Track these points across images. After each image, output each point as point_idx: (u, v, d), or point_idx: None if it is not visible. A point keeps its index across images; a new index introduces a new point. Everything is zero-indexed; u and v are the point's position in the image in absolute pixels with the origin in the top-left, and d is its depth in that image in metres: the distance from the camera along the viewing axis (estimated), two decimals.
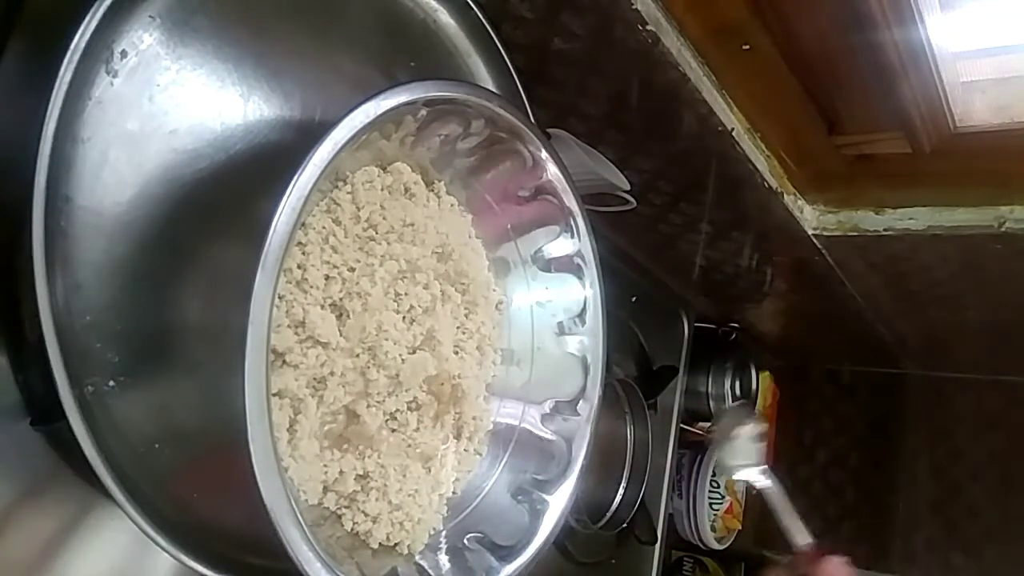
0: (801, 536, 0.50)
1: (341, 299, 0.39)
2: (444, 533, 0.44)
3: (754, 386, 1.32)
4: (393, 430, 0.43)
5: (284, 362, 0.37)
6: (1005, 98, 0.69)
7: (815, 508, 1.46)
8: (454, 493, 0.46)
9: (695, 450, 1.25)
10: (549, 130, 0.68)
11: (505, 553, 0.43)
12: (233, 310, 0.30)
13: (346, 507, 0.40)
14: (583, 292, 0.49)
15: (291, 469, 0.37)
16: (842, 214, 0.86)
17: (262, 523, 0.31)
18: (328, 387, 0.38)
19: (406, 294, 0.42)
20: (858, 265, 0.95)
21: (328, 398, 0.38)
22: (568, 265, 0.49)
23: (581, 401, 0.49)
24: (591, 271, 0.49)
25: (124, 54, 0.35)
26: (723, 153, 0.71)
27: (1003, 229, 0.76)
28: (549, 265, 0.50)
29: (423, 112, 0.40)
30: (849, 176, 0.81)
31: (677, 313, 1.16)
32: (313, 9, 0.43)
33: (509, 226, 0.49)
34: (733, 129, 0.68)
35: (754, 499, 1.42)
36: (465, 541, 0.44)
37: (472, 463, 0.48)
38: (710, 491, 1.23)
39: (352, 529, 0.40)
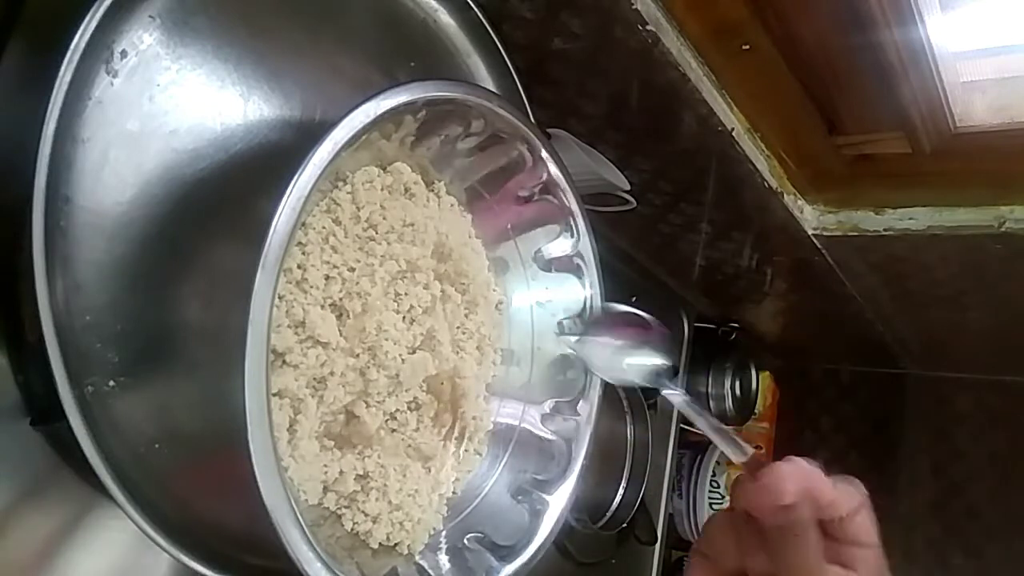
0: (737, 454, 0.38)
1: (341, 299, 0.39)
2: (444, 533, 0.44)
3: (754, 386, 1.32)
4: (393, 430, 0.43)
5: (284, 362, 0.37)
6: (1005, 98, 0.69)
7: None
8: (454, 493, 0.46)
9: (695, 450, 1.25)
10: (549, 130, 0.68)
11: (505, 553, 0.43)
12: (233, 310, 0.30)
13: (346, 507, 0.40)
14: (583, 292, 0.49)
15: (291, 469, 0.37)
16: (842, 214, 0.86)
17: (262, 523, 0.31)
18: (328, 387, 0.38)
19: (406, 294, 0.42)
20: (858, 265, 0.95)
21: (328, 398, 0.38)
22: (568, 265, 0.49)
23: (581, 401, 0.49)
24: (591, 271, 0.49)
25: (124, 54, 0.35)
26: (723, 153, 0.71)
27: (1003, 229, 0.76)
28: (549, 265, 0.50)
29: (423, 112, 0.40)
30: (849, 176, 0.81)
31: (677, 313, 1.16)
32: (313, 9, 0.43)
33: (509, 226, 0.49)
34: (733, 129, 0.68)
35: None
36: (465, 541, 0.44)
37: (472, 463, 0.48)
38: (710, 491, 1.23)
39: (352, 529, 0.40)
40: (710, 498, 1.23)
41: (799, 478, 0.34)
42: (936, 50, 0.62)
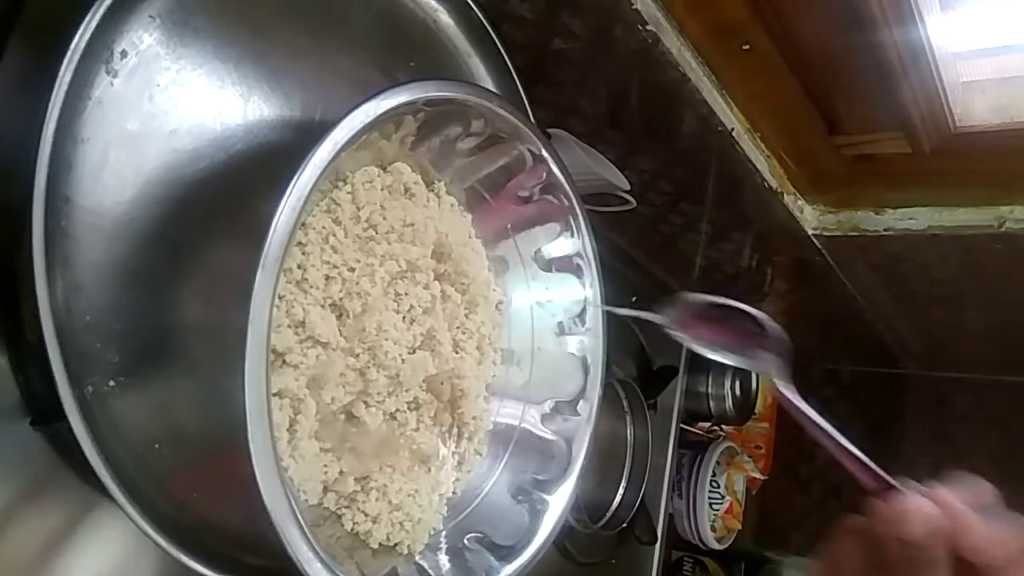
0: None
1: (341, 299, 0.39)
2: (444, 533, 0.44)
3: (754, 386, 1.32)
4: (393, 430, 0.43)
5: (284, 362, 0.37)
6: (1005, 98, 0.69)
7: (815, 508, 1.46)
8: (454, 493, 0.46)
9: (695, 450, 1.25)
10: (549, 130, 0.68)
11: (505, 553, 0.43)
12: (233, 310, 0.30)
13: (346, 507, 0.40)
14: (583, 292, 0.49)
15: (291, 469, 0.37)
16: (842, 214, 0.86)
17: (262, 523, 0.31)
18: (328, 387, 0.38)
19: (406, 294, 0.42)
20: (858, 265, 0.95)
21: (328, 398, 0.38)
22: (568, 265, 0.49)
23: (581, 401, 0.49)
24: (591, 271, 0.49)
25: (124, 54, 0.35)
26: (723, 153, 0.71)
27: (1003, 229, 0.76)
28: (549, 265, 0.50)
29: (423, 112, 0.40)
30: (849, 176, 0.81)
31: None
32: (313, 9, 0.43)
33: (509, 226, 0.49)
34: (733, 129, 0.68)
35: (754, 499, 1.42)
36: (465, 541, 0.44)
37: (472, 463, 0.48)
38: (710, 491, 1.23)
39: (352, 529, 0.40)
40: (710, 498, 1.23)
41: (929, 518, 0.30)
42: (936, 50, 0.62)
